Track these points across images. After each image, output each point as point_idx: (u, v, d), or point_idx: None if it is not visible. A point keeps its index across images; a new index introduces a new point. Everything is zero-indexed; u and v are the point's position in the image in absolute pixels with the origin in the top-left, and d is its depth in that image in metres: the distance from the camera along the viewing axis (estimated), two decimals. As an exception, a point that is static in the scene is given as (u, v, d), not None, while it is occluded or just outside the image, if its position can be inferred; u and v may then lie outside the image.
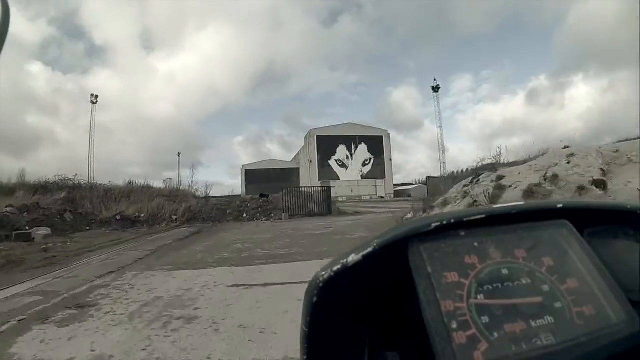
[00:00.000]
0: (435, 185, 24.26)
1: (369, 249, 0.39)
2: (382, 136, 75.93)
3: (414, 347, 0.40)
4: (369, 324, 0.46)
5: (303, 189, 24.50)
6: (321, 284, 0.39)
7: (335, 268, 0.39)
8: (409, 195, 70.65)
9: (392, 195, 71.68)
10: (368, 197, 68.03)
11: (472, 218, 0.41)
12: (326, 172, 71.56)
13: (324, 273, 0.39)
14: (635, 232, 0.44)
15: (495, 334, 0.34)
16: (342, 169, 73.77)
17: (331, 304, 0.41)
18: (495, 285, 0.37)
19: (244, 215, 20.83)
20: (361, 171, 74.33)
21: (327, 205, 22.76)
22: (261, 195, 24.67)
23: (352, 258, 0.39)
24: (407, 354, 0.44)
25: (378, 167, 74.86)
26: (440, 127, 71.18)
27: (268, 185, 72.99)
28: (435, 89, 70.47)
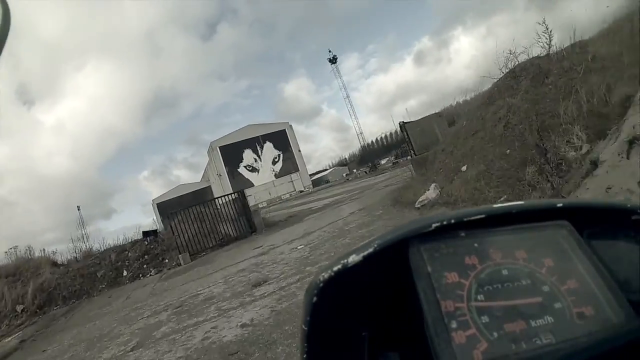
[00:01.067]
0: (421, 132, 15.04)
1: (369, 250, 0.39)
2: (284, 129, 74.08)
3: (414, 347, 0.40)
4: (369, 324, 0.47)
5: (205, 205, 16.03)
6: (321, 284, 0.39)
7: (335, 268, 0.39)
8: (327, 181, 70.41)
9: (312, 186, 69.48)
10: (287, 195, 64.94)
11: (472, 218, 0.41)
12: (239, 182, 67.56)
13: (324, 273, 0.40)
14: (635, 232, 0.44)
15: (495, 334, 0.34)
16: (254, 173, 70.29)
17: (331, 304, 0.41)
18: (495, 286, 0.37)
19: (124, 273, 14.36)
20: (273, 170, 71.49)
21: (246, 219, 15.45)
22: (145, 235, 16.55)
23: (352, 259, 0.39)
24: (407, 354, 0.44)
25: (289, 162, 72.53)
26: (348, 97, 70.59)
27: None
28: (333, 60, 69.57)
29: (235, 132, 70.74)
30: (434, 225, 0.39)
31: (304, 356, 0.41)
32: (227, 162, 67.73)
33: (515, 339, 0.34)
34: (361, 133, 62.84)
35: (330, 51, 70.97)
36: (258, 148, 70.94)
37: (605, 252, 0.42)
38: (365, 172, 55.33)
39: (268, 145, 71.58)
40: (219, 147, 68.16)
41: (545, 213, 0.43)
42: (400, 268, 0.39)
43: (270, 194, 68.52)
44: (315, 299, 0.39)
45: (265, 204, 61.91)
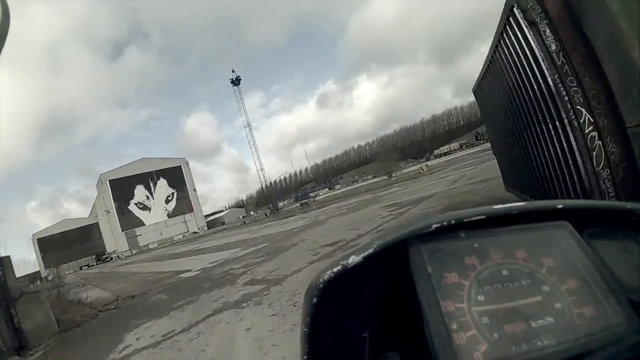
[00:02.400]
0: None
1: (370, 250, 0.39)
2: (180, 166, 70.47)
3: (414, 347, 0.40)
4: (369, 324, 0.47)
5: None
6: (321, 285, 0.39)
7: (335, 269, 0.39)
8: (223, 223, 68.41)
9: (206, 228, 67.42)
10: (181, 236, 62.02)
11: (472, 219, 0.41)
12: (128, 220, 63.21)
13: (324, 275, 0.40)
14: (635, 232, 0.44)
15: (496, 335, 0.34)
16: (145, 211, 65.75)
17: (332, 305, 0.41)
18: (495, 286, 0.37)
19: None
20: (166, 209, 67.78)
21: (4, 320, 6.03)
22: None
23: (353, 259, 0.39)
24: (407, 355, 0.44)
25: (183, 201, 69.34)
26: (249, 125, 67.89)
27: (68, 251, 59.88)
28: (236, 81, 67.13)
29: (128, 165, 65.82)
30: (434, 226, 0.40)
31: (305, 357, 0.41)
32: (117, 197, 62.78)
33: (516, 340, 0.34)
34: (262, 169, 62.75)
35: (233, 71, 66.77)
36: (151, 184, 66.98)
37: (605, 252, 0.42)
38: (266, 215, 51.65)
39: (162, 182, 68.00)
40: (109, 181, 62.99)
41: (545, 214, 0.43)
42: (401, 269, 0.39)
43: (162, 234, 64.71)
44: (315, 299, 0.39)
45: (156, 244, 58.46)
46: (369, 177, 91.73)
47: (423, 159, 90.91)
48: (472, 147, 70.57)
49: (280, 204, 57.69)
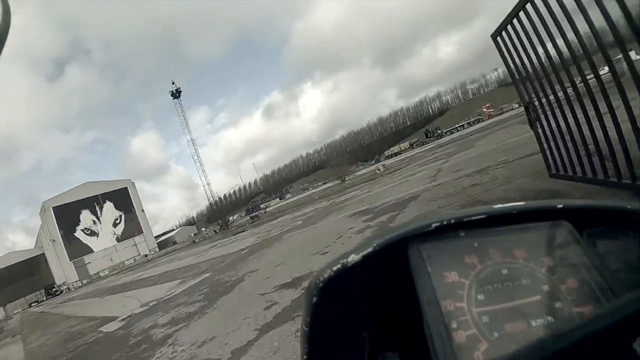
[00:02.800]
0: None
1: (369, 249, 0.39)
2: (126, 187, 66.83)
3: (414, 347, 0.40)
4: (369, 324, 0.47)
5: None
6: (321, 284, 0.39)
7: (335, 268, 0.39)
8: (174, 242, 66.70)
9: (157, 249, 65.83)
10: (132, 260, 60.10)
11: (472, 218, 0.41)
12: (76, 248, 60.44)
13: (324, 273, 0.39)
14: (635, 233, 0.43)
15: (496, 334, 0.34)
16: (93, 237, 62.80)
17: (331, 304, 0.41)
18: (495, 285, 0.37)
19: None
20: (115, 233, 64.99)
21: None
22: None
23: (352, 258, 0.39)
24: (407, 354, 0.44)
25: (132, 223, 66.62)
26: (193, 140, 65.38)
27: (16, 287, 56.22)
28: (176, 93, 64.79)
29: (72, 191, 62.27)
30: (434, 225, 0.40)
31: (305, 357, 0.41)
32: (62, 224, 59.43)
33: (516, 339, 0.34)
34: (208, 184, 61.56)
35: (173, 83, 65.21)
36: (97, 209, 64.06)
37: (606, 252, 0.42)
38: (215, 232, 49.29)
39: (108, 205, 65.08)
40: (52, 208, 59.37)
41: (545, 213, 0.43)
42: (400, 268, 0.39)
43: (112, 259, 62.16)
44: (315, 299, 0.39)
45: (107, 271, 56.38)
46: (319, 183, 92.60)
47: (373, 161, 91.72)
48: (423, 144, 71.77)
49: (231, 218, 57.02)
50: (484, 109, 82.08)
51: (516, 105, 67.25)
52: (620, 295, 0.37)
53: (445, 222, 0.40)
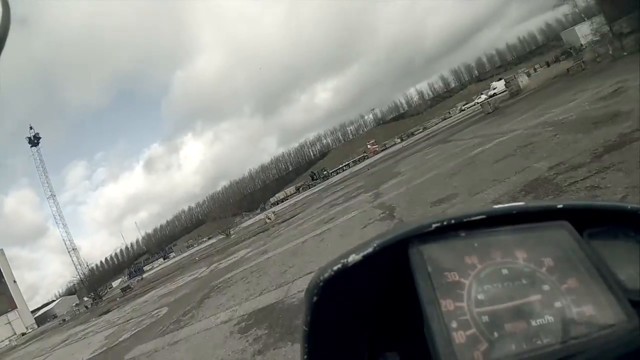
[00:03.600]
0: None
1: (369, 249, 0.39)
2: None
3: (414, 347, 0.40)
4: (369, 323, 0.47)
5: None
6: (322, 284, 0.39)
7: (335, 267, 0.39)
8: (55, 316, 58.04)
9: (36, 325, 60.49)
10: (7, 342, 54.72)
11: (473, 219, 0.41)
12: None
13: (324, 273, 0.40)
14: (635, 233, 0.44)
15: (496, 334, 0.34)
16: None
17: (332, 304, 0.41)
18: (495, 285, 0.37)
19: None
20: (-19, 312, 57.91)
21: None
22: None
23: (353, 258, 0.39)
24: (407, 354, 0.44)
25: (3, 297, 59.25)
26: (54, 195, 57.17)
27: None
28: (34, 140, 54.71)
29: None
30: (434, 225, 0.40)
31: (305, 356, 0.41)
32: None
33: (516, 339, 0.34)
34: (74, 249, 55.93)
35: (31, 128, 54.33)
36: (-42, 285, 57.26)
37: (605, 252, 0.42)
38: (87, 308, 42.10)
39: (-29, 280, 58.70)
40: None
41: (545, 214, 0.43)
42: (400, 268, 0.39)
43: (-21, 344, 55.67)
44: (315, 298, 0.39)
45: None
46: (204, 239, 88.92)
47: (258, 210, 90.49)
48: (310, 187, 70.86)
49: (115, 283, 51.92)
50: (369, 146, 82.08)
51: (398, 140, 71.26)
52: (620, 295, 0.38)
53: (445, 223, 0.40)
